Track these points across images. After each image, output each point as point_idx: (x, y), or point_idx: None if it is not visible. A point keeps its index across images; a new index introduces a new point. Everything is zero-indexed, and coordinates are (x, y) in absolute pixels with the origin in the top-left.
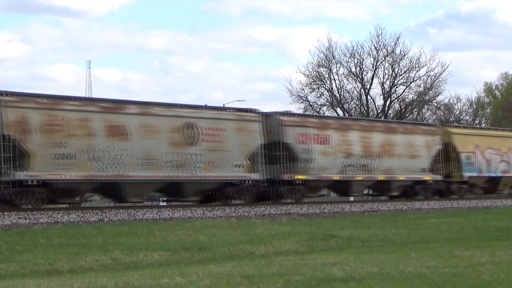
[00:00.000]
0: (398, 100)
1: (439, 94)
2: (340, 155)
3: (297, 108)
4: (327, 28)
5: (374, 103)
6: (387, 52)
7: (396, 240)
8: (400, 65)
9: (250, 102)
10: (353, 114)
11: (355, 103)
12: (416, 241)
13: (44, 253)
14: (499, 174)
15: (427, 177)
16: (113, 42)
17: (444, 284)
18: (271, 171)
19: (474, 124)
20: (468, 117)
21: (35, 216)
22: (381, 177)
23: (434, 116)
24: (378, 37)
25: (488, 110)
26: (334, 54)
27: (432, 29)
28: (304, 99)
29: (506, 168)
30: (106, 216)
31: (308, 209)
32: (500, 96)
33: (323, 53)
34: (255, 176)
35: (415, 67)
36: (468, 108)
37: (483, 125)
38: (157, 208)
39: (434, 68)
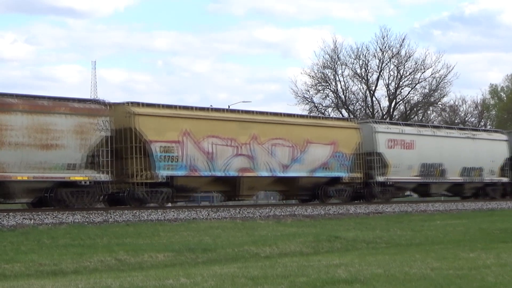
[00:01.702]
0: (403, 101)
1: (444, 95)
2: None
3: (302, 109)
4: (332, 29)
5: (379, 105)
6: (392, 54)
7: (401, 241)
8: (405, 66)
9: (254, 103)
10: (358, 115)
11: (360, 105)
12: (421, 243)
13: (49, 254)
14: (234, 174)
15: (78, 177)
16: (118, 42)
17: (449, 286)
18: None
19: (479, 126)
20: (473, 119)
21: (40, 216)
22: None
23: (440, 118)
24: (383, 39)
25: (494, 112)
26: (340, 55)
27: (436, 30)
28: (309, 100)
29: (248, 166)
30: (111, 217)
31: (313, 210)
32: (505, 98)
33: (329, 54)
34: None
35: (421, 69)
36: (474, 110)
37: (489, 126)
38: (162, 209)
39: (440, 70)
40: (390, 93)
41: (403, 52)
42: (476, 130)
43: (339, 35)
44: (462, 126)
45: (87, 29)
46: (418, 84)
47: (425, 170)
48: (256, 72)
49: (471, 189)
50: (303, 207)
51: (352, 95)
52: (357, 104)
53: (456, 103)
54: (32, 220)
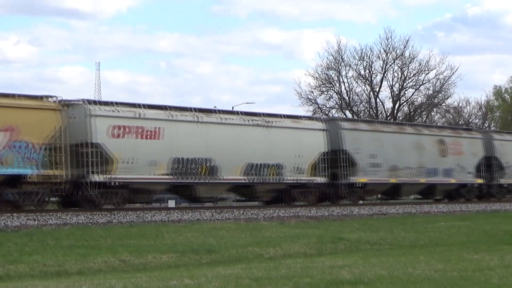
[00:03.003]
0: (407, 103)
1: (448, 97)
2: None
3: (306, 111)
4: (335, 31)
5: (383, 106)
6: (396, 55)
7: (405, 243)
8: (409, 68)
9: (258, 105)
10: (362, 117)
11: (364, 106)
12: (425, 244)
13: (53, 255)
14: None
15: None
16: (121, 44)
17: (453, 287)
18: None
19: (483, 127)
20: (477, 120)
21: (44, 217)
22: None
23: (443, 119)
24: (387, 40)
25: (498, 114)
26: (343, 56)
27: (439, 32)
28: (313, 101)
29: None
30: (115, 218)
31: (317, 211)
32: (509, 100)
33: (332, 56)
34: None
35: (424, 70)
36: (478, 112)
37: (493, 128)
38: (166, 210)
39: (444, 71)
40: (394, 95)
41: (407, 54)
42: (275, 116)
43: (343, 36)
44: (254, 111)
45: (91, 30)
46: (422, 86)
47: (180, 167)
48: (259, 73)
49: (268, 192)
50: (307, 208)
51: (356, 97)
52: (361, 105)
53: (460, 104)
54: (36, 221)
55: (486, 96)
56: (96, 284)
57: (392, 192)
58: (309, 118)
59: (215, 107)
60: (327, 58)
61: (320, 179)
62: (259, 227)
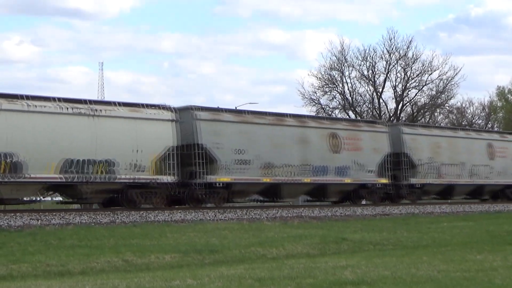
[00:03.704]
0: (410, 103)
1: (451, 97)
2: None
3: (309, 111)
4: (337, 31)
5: (386, 107)
6: (400, 56)
7: (408, 243)
8: (412, 68)
9: (261, 105)
10: (365, 117)
11: (367, 106)
12: (427, 245)
13: (56, 254)
14: None
15: None
16: (124, 44)
17: None
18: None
19: (486, 128)
20: (480, 121)
21: (47, 217)
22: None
23: (447, 120)
24: (390, 41)
25: (501, 114)
26: (347, 57)
27: (442, 33)
28: (317, 102)
29: None
30: (118, 217)
31: (320, 212)
32: None
33: (336, 56)
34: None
35: (428, 71)
36: (481, 112)
37: (496, 129)
38: (169, 210)
39: (447, 72)
40: (397, 95)
41: (410, 54)
42: (106, 103)
43: (346, 37)
44: (77, 98)
45: (93, 30)
46: (425, 86)
47: None
48: (262, 74)
49: (98, 193)
50: (310, 209)
51: (359, 97)
52: (364, 106)
53: (463, 105)
54: (39, 220)
55: (490, 97)
56: (99, 284)
57: (270, 193)
58: (154, 106)
59: (218, 107)
60: (330, 58)
61: (167, 178)
62: (262, 227)
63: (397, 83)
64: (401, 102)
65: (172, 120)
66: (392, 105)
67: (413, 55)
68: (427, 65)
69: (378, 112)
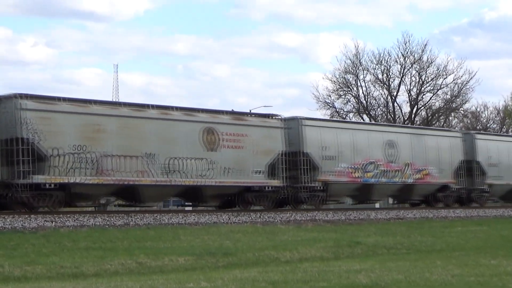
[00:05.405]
0: (424, 107)
1: (466, 102)
2: None
3: (323, 114)
4: (351, 34)
5: (401, 110)
6: (414, 59)
7: (422, 247)
8: (427, 72)
9: (274, 108)
10: (379, 121)
11: (382, 110)
12: (441, 249)
13: (70, 256)
14: None
15: None
16: (138, 46)
17: None
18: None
19: (501, 132)
20: (495, 125)
21: (61, 219)
22: None
23: (461, 124)
24: (405, 44)
25: None
26: (361, 60)
27: (456, 37)
28: (331, 105)
29: None
30: (132, 220)
31: (334, 215)
32: None
33: (350, 60)
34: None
35: (442, 75)
36: (495, 117)
37: (504, 130)
38: (183, 213)
39: (462, 76)
40: (411, 99)
41: (425, 58)
42: None
43: (360, 40)
44: None
45: (108, 32)
46: (440, 90)
47: None
48: (275, 76)
49: None
50: (324, 212)
51: (374, 101)
52: (379, 109)
53: (478, 109)
54: (53, 222)
55: (504, 101)
56: (113, 286)
57: (130, 197)
58: None
59: (232, 109)
60: (345, 62)
61: None
62: (276, 230)
63: (411, 87)
64: (416, 106)
65: None
66: (406, 109)
67: (428, 59)
68: (442, 69)
69: (392, 116)
